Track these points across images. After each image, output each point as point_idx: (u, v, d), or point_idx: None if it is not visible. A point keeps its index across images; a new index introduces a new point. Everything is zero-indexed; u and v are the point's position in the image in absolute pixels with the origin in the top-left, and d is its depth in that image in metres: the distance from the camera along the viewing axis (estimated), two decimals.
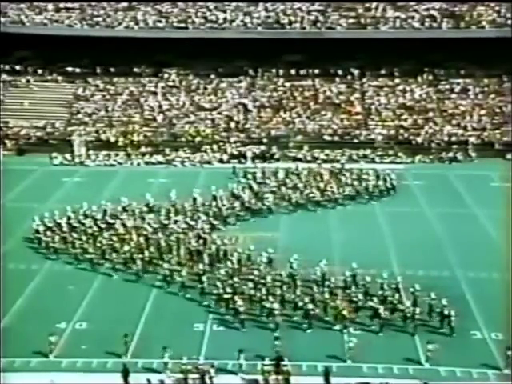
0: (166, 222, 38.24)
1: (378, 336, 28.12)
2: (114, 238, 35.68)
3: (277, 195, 43.07)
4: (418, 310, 28.67)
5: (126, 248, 34.52)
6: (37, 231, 37.02)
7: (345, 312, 28.80)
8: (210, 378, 25.15)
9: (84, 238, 36.01)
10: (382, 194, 44.71)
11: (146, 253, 34.21)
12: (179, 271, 32.45)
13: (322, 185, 44.51)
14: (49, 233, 36.59)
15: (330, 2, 62.55)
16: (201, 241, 35.71)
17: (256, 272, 32.14)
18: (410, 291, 29.94)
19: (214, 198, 41.80)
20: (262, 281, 31.30)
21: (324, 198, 42.93)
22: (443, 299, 28.66)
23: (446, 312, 28.18)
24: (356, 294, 30.29)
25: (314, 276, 31.63)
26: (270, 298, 29.56)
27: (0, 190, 44.53)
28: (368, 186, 44.79)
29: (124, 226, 37.54)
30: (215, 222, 38.96)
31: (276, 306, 29.11)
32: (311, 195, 42.96)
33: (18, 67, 64.17)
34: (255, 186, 44.68)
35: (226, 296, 30.05)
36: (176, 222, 38.17)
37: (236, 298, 29.57)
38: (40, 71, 63.98)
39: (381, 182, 45.36)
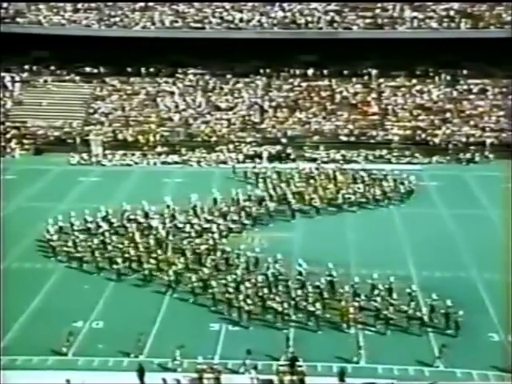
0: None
1: (392, 337, 28.04)
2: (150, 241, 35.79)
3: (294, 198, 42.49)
4: (424, 311, 28.66)
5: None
6: (48, 231, 36.78)
7: (350, 310, 28.77)
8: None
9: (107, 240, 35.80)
10: (401, 198, 43.92)
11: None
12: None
13: (336, 188, 44.05)
14: (61, 235, 36.71)
15: (347, 1, 62.42)
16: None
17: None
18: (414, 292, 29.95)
19: (249, 197, 41.84)
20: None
21: (339, 201, 42.47)
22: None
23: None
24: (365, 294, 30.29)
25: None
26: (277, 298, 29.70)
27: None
28: (386, 190, 43.97)
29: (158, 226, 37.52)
30: (247, 222, 39.05)
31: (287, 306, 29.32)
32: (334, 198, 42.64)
33: (35, 67, 64.63)
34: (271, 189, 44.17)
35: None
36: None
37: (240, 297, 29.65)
38: (58, 71, 64.40)
39: (399, 186, 44.54)
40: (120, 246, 34.95)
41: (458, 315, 27.98)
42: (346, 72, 61.89)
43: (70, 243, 35.65)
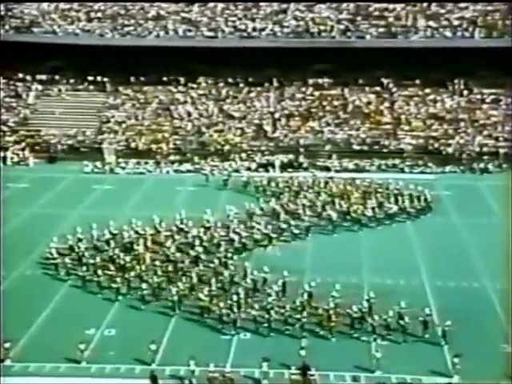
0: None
1: (405, 346, 27.88)
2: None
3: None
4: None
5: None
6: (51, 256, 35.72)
7: (332, 318, 28.61)
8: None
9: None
10: (418, 213, 42.90)
11: None
12: None
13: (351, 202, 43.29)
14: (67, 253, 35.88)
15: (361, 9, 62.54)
16: None
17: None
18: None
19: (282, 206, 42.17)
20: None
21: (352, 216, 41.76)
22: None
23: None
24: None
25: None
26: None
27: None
28: (403, 205, 42.91)
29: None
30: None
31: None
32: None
33: (50, 77, 65.06)
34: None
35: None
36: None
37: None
38: (72, 80, 64.85)
39: (416, 202, 43.45)
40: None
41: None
42: (358, 81, 61.94)
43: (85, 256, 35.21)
